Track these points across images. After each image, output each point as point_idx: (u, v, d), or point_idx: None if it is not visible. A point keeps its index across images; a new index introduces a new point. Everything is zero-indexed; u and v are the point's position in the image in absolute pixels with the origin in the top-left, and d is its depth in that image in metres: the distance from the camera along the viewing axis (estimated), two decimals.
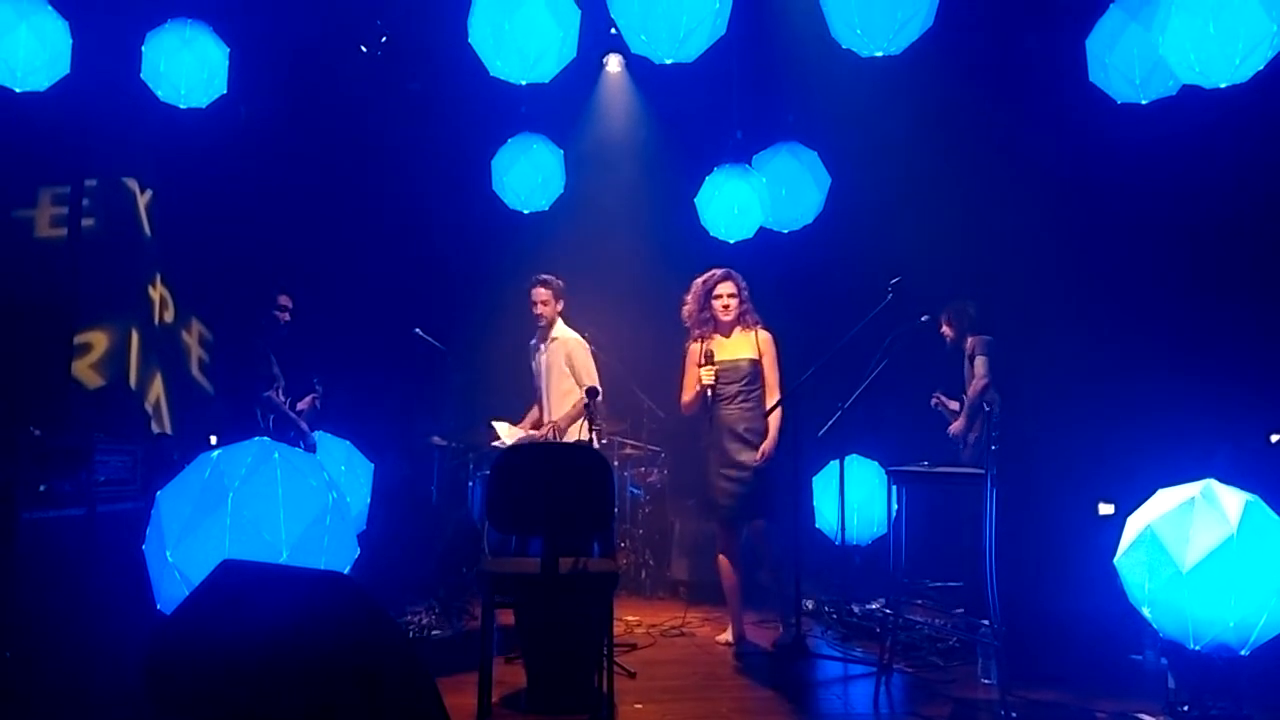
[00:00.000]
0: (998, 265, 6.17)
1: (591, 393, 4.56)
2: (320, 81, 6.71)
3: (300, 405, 5.58)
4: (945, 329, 5.67)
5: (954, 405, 5.72)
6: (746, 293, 4.90)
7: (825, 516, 6.18)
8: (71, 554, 4.39)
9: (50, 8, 4.55)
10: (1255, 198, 5.41)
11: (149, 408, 6.61)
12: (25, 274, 5.96)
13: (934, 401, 5.82)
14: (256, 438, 3.70)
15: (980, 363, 5.42)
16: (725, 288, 4.87)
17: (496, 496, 3.57)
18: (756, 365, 4.80)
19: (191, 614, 2.06)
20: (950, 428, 5.65)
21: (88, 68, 4.86)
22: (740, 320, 4.88)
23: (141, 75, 4.89)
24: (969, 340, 5.56)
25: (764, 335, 4.88)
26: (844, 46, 4.17)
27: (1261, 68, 3.67)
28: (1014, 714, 3.69)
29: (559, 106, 6.54)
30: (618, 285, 7.22)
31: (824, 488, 6.15)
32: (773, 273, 5.91)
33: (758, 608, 5.25)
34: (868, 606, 5.32)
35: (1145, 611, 3.47)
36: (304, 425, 5.43)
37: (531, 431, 5.54)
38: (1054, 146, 5.99)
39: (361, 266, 7.04)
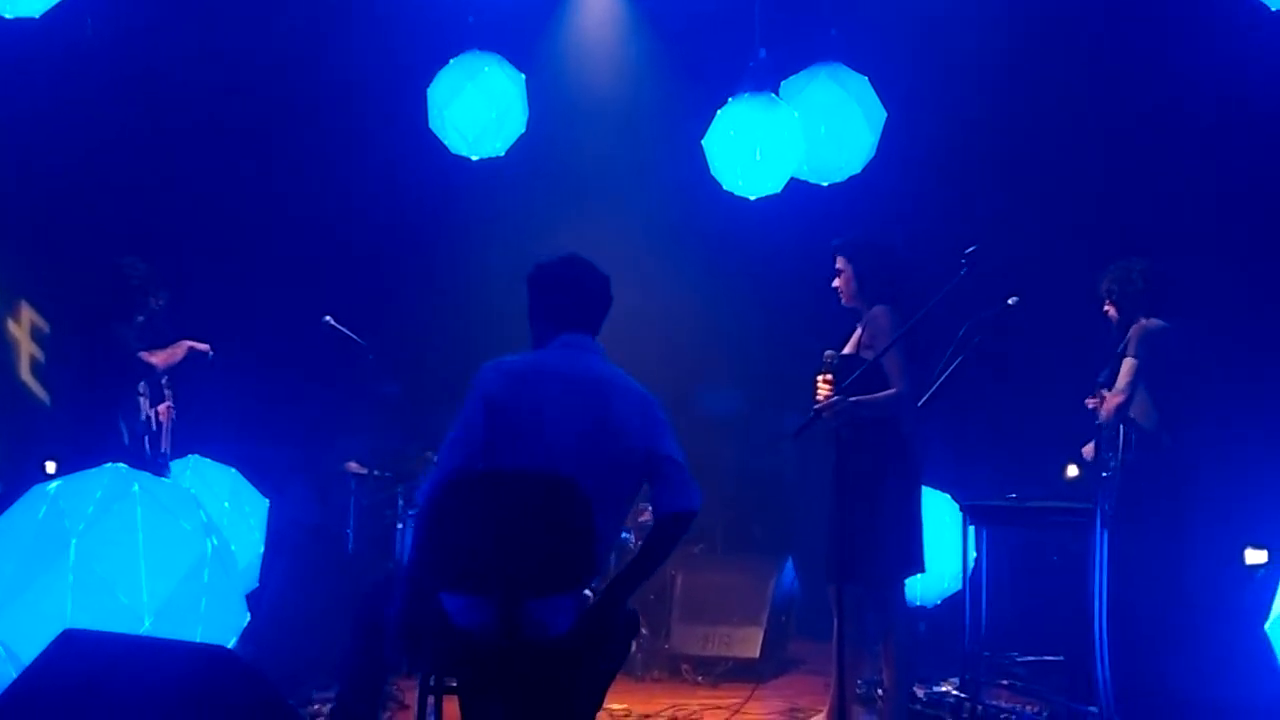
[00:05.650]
0: (1116, 232, 6.17)
1: None
2: None
3: (158, 411, 5.56)
4: (1108, 308, 5.50)
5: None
6: (864, 266, 4.82)
7: None
8: None
9: None
10: None
11: None
12: None
13: (1092, 403, 5.56)
14: (109, 464, 3.71)
15: (1128, 367, 5.14)
16: (837, 265, 4.91)
17: (435, 542, 3.57)
18: (866, 359, 4.61)
19: (22, 702, 2.06)
20: (1085, 448, 5.55)
21: None
22: (857, 302, 4.86)
23: None
24: (1135, 326, 5.30)
25: (872, 313, 4.77)
26: None
27: None
28: None
29: (519, 17, 6.55)
30: (599, 256, 7.19)
31: None
32: (808, 239, 5.92)
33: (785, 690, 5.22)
34: (935, 688, 5.34)
35: None
36: (164, 448, 5.44)
37: None
38: (1193, 69, 5.96)
39: (254, 234, 7.04)
